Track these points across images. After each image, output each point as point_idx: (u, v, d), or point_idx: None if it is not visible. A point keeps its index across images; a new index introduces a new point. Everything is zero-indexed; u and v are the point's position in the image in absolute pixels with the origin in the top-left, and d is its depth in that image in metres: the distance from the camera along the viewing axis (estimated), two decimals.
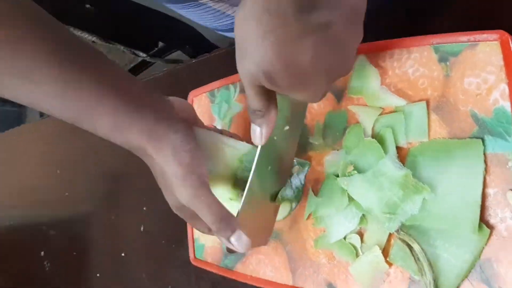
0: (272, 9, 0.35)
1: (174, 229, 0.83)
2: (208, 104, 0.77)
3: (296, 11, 0.34)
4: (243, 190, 0.54)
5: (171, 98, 0.56)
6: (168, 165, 0.50)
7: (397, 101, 0.53)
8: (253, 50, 0.38)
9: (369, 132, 0.55)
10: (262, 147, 0.50)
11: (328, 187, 0.58)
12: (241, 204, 0.51)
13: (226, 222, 0.49)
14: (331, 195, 0.57)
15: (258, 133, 0.47)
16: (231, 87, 0.74)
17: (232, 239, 0.49)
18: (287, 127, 0.54)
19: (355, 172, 0.54)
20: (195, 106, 0.79)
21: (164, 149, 0.50)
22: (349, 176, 0.55)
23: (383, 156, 0.52)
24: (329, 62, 0.39)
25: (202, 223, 0.54)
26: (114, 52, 1.07)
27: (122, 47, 1.00)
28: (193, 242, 0.76)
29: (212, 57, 0.83)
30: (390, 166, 0.51)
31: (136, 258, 0.93)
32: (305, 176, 0.60)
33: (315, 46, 0.36)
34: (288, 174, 0.59)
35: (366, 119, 0.55)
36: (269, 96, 0.44)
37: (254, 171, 0.52)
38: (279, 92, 0.44)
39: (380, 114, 0.54)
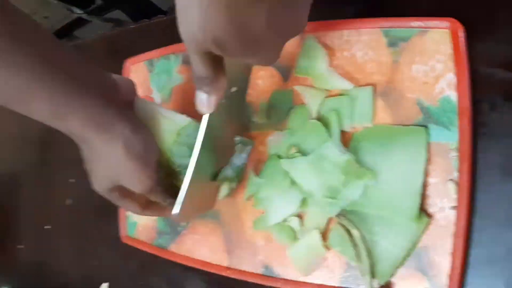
0: None
1: (103, 203, 0.77)
2: (146, 74, 0.72)
3: None
4: (178, 166, 0.52)
5: (114, 76, 0.51)
6: (119, 158, 0.48)
7: (343, 84, 0.52)
8: (199, 15, 0.34)
9: (315, 114, 0.53)
10: (209, 117, 0.47)
11: (270, 168, 0.56)
12: (186, 178, 0.49)
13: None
14: (273, 176, 0.55)
15: (205, 101, 0.43)
16: (172, 57, 0.69)
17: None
18: (234, 89, 0.51)
19: (298, 154, 0.53)
20: (132, 76, 0.74)
21: (114, 141, 0.47)
22: (292, 158, 0.53)
23: (327, 139, 0.51)
24: (283, 23, 0.36)
25: (135, 204, 0.53)
26: (46, 5, 0.98)
27: (55, 0, 0.92)
28: (125, 220, 0.72)
29: (153, 23, 0.78)
30: (333, 150, 0.50)
31: (61, 232, 0.88)
32: (248, 156, 0.58)
33: (270, 10, 0.34)
34: (231, 151, 0.56)
35: (312, 100, 0.54)
36: (217, 61, 0.40)
37: (201, 143, 0.49)
38: (228, 57, 0.40)
39: (327, 97, 0.53)
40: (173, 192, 0.52)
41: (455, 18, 0.46)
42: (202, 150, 0.49)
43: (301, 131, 0.54)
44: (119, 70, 0.76)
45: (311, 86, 0.55)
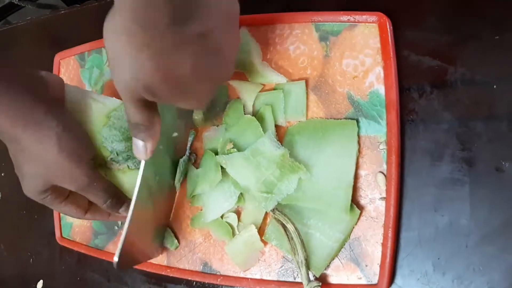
0: (143, 22, 0.33)
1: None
2: (77, 68, 0.69)
3: (169, 23, 0.33)
4: (111, 152, 0.51)
5: (42, 73, 0.49)
6: (51, 156, 0.45)
7: (277, 78, 0.52)
8: (129, 64, 0.36)
9: (250, 108, 0.53)
10: (145, 161, 0.47)
11: (205, 163, 0.56)
12: (125, 225, 0.47)
13: (117, 198, 0.51)
14: (207, 171, 0.55)
15: (142, 148, 0.44)
16: (104, 51, 0.67)
17: (121, 209, 0.52)
18: (175, 134, 0.52)
19: (235, 150, 0.52)
20: (62, 71, 0.71)
21: (45, 139, 0.45)
22: (228, 153, 0.53)
23: (262, 134, 0.51)
24: (209, 70, 0.38)
25: (72, 207, 0.52)
26: None
27: None
28: (59, 221, 0.69)
29: (84, 9, 0.75)
30: (268, 145, 0.50)
31: None
32: (190, 146, 0.57)
33: (194, 56, 0.36)
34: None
35: (247, 95, 0.53)
36: (150, 108, 0.42)
37: (139, 188, 0.48)
38: (160, 102, 0.42)
39: (261, 91, 0.53)
40: (113, 192, 0.51)
41: (384, 10, 0.47)
42: (144, 187, 0.49)
43: (236, 126, 0.53)
44: (51, 58, 0.72)
45: (246, 81, 0.54)
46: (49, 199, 0.51)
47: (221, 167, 0.53)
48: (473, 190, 0.43)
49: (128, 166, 0.52)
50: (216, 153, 0.54)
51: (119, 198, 0.51)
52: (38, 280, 0.74)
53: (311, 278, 0.47)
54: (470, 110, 0.44)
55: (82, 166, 0.47)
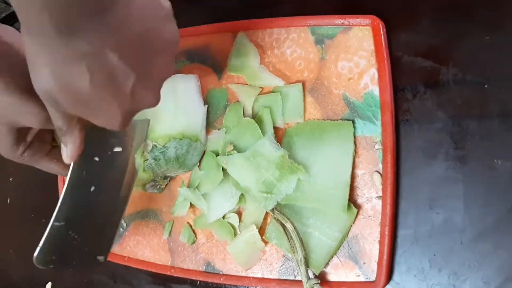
0: (28, 25, 0.31)
1: (43, 202, 0.76)
2: None
3: (56, 33, 0.31)
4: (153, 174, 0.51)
5: None
6: (3, 93, 0.43)
7: (275, 81, 0.53)
8: (34, 68, 0.34)
9: (249, 111, 0.54)
10: (73, 167, 0.44)
11: (207, 164, 0.57)
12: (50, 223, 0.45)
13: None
14: (208, 172, 0.56)
15: (63, 151, 0.42)
16: None
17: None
18: (118, 149, 0.48)
19: (235, 151, 0.54)
20: None
21: None
22: (228, 155, 0.54)
23: (261, 136, 0.52)
24: (113, 93, 0.35)
25: (59, 164, 0.49)
26: None
27: None
28: None
29: None
30: (268, 147, 0.51)
31: (2, 232, 0.86)
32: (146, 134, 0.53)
33: (90, 74, 0.33)
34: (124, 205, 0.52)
35: (246, 98, 0.55)
36: (68, 116, 0.39)
37: (64, 195, 0.45)
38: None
39: (260, 94, 0.54)
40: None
41: (376, 13, 0.48)
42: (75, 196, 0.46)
43: (236, 129, 0.55)
44: None
45: (245, 84, 0.55)
46: (27, 154, 0.47)
47: (222, 168, 0.54)
48: (467, 187, 0.44)
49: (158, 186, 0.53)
50: (217, 155, 0.55)
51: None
52: (47, 283, 0.75)
53: (311, 276, 0.49)
54: (463, 110, 0.45)
55: (35, 97, 0.42)
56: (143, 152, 0.49)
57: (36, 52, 0.33)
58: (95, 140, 0.44)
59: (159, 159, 0.52)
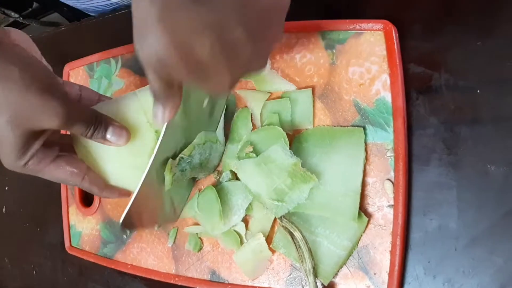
0: None
1: (39, 211, 0.77)
2: (87, 79, 0.70)
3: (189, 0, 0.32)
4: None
5: (5, 28, 0.48)
6: (19, 94, 0.41)
7: (286, 86, 0.52)
8: (149, 34, 0.34)
9: (257, 116, 0.53)
10: (166, 128, 0.44)
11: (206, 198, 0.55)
12: (137, 187, 0.45)
13: (99, 123, 0.46)
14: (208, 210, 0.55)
15: (159, 113, 0.42)
16: (112, 61, 0.67)
17: (108, 135, 0.46)
18: (206, 102, 0.49)
19: (253, 154, 0.51)
20: (72, 80, 0.72)
21: (7, 79, 0.41)
22: (246, 157, 0.52)
23: (281, 140, 0.50)
24: (230, 62, 0.35)
25: (66, 171, 0.47)
26: None
27: None
28: (69, 230, 0.70)
29: (83, 25, 0.76)
30: (280, 153, 0.50)
31: None
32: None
33: (211, 44, 0.33)
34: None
35: (254, 103, 0.54)
36: (171, 80, 0.39)
37: (156, 155, 0.45)
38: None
39: (268, 99, 0.53)
40: (94, 118, 0.46)
41: (389, 20, 0.47)
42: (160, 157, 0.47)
43: (262, 131, 0.52)
44: (60, 74, 0.73)
45: (253, 89, 0.54)
46: (32, 162, 0.45)
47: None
48: (460, 193, 0.43)
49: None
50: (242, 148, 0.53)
51: (100, 122, 0.46)
52: None
53: (319, 286, 0.47)
54: (455, 115, 0.44)
55: (56, 97, 0.43)
56: (171, 168, 0.49)
57: (154, 17, 0.33)
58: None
59: (186, 169, 0.51)
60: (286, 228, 0.49)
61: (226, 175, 0.55)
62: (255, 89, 0.55)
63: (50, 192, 0.57)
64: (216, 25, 0.33)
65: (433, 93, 0.45)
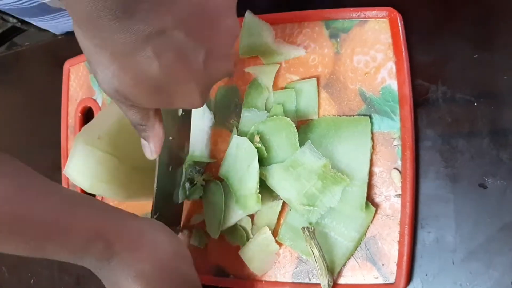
0: (87, 22, 0.29)
1: None
2: (87, 74, 0.70)
3: (113, 20, 0.28)
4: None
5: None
6: None
7: (296, 52, 0.51)
8: (97, 68, 0.32)
9: (270, 89, 0.52)
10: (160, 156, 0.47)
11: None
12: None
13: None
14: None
15: (147, 148, 0.42)
16: None
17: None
18: (170, 138, 0.51)
19: (259, 145, 0.50)
20: (72, 77, 0.71)
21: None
22: (256, 147, 0.50)
23: (297, 147, 0.48)
24: (186, 69, 0.33)
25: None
26: None
27: None
28: None
29: None
30: (308, 156, 0.48)
31: None
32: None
33: (158, 58, 0.31)
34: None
35: (265, 77, 0.53)
36: (143, 109, 0.38)
37: (158, 183, 0.50)
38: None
39: (274, 90, 0.52)
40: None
41: (394, 7, 0.46)
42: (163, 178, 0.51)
43: (272, 122, 0.50)
44: (59, 76, 0.73)
45: (261, 64, 0.54)
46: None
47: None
48: (457, 206, 0.43)
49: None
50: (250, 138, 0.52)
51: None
52: None
53: (330, 282, 0.46)
54: (452, 128, 0.44)
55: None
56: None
57: (95, 50, 0.31)
58: None
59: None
60: (306, 241, 0.47)
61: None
62: (263, 64, 0.54)
63: None
64: (154, 35, 0.30)
65: (430, 106, 0.45)
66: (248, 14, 0.53)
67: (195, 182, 0.55)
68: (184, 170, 0.55)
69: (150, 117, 0.40)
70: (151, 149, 0.42)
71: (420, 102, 0.45)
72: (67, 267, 0.71)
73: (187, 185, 0.56)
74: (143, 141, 0.42)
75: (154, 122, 0.40)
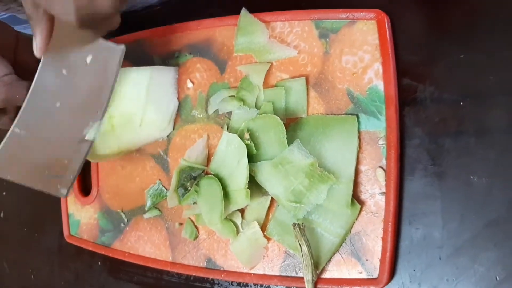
0: None
1: (36, 215, 0.78)
2: None
3: None
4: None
5: None
6: None
7: (287, 52, 0.52)
8: None
9: (260, 87, 0.53)
10: (42, 66, 0.46)
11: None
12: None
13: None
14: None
15: (34, 44, 0.44)
16: None
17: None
18: (89, 58, 0.49)
19: (249, 142, 0.51)
20: None
21: None
22: (245, 144, 0.51)
23: (285, 145, 0.49)
24: None
25: None
26: None
27: None
28: (68, 218, 0.71)
29: None
30: (296, 154, 0.49)
31: None
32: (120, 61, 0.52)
33: None
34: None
35: (255, 75, 0.53)
36: (36, 3, 0.41)
37: (28, 101, 0.47)
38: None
39: (264, 87, 0.53)
40: None
41: (382, 9, 0.47)
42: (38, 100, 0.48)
43: (262, 121, 0.51)
44: None
45: (253, 63, 0.55)
46: None
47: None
48: (444, 204, 0.44)
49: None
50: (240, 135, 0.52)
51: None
52: None
53: (314, 278, 0.47)
54: (439, 127, 0.45)
55: None
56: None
57: None
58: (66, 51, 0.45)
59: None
60: (296, 236, 0.48)
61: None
62: (256, 62, 0.55)
63: (47, 197, 0.59)
64: None
65: (418, 105, 0.46)
66: (243, 12, 0.54)
67: (189, 189, 0.57)
68: (176, 174, 0.57)
69: (39, 12, 0.42)
70: (36, 45, 0.44)
71: (408, 101, 0.46)
72: (67, 263, 0.73)
73: (181, 190, 0.57)
74: (33, 38, 0.44)
75: (42, 18, 0.43)
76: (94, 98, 0.51)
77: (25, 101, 0.46)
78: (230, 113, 0.55)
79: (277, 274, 0.51)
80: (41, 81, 0.47)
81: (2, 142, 0.46)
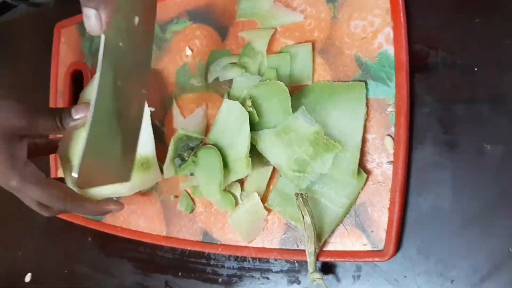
0: None
1: None
2: (78, 37, 0.68)
3: None
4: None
5: None
6: None
7: (293, 17, 0.50)
8: None
9: (264, 53, 0.51)
10: (106, 45, 0.38)
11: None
12: (86, 129, 0.39)
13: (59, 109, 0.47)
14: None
15: (94, 18, 0.36)
16: None
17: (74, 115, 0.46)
18: (137, 19, 0.42)
19: (251, 109, 0.49)
20: (63, 40, 0.69)
21: None
22: (248, 111, 0.49)
23: (290, 112, 0.47)
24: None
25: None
26: None
27: None
28: None
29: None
30: (301, 121, 0.47)
31: None
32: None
33: None
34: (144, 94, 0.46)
35: (259, 41, 0.52)
36: None
37: (100, 79, 0.38)
38: None
39: (268, 54, 0.51)
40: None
41: None
42: (105, 87, 0.40)
43: (265, 87, 0.49)
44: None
45: (257, 29, 0.52)
46: (24, 172, 0.46)
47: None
48: (455, 173, 0.42)
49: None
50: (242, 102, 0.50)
51: (62, 110, 0.46)
52: (27, 273, 0.74)
53: (317, 250, 0.46)
54: (451, 93, 0.43)
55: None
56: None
57: None
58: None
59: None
60: (299, 207, 0.46)
61: None
62: (259, 28, 0.52)
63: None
64: None
65: (429, 71, 0.44)
66: None
67: (186, 159, 0.54)
68: (173, 143, 0.54)
69: None
70: (100, 19, 0.36)
71: (419, 68, 0.44)
72: (56, 241, 0.71)
73: (177, 160, 0.55)
74: (87, 12, 0.36)
75: None
76: (143, 63, 0.46)
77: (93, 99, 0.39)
78: (231, 81, 0.53)
79: (277, 247, 0.49)
80: (105, 67, 0.39)
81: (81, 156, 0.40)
